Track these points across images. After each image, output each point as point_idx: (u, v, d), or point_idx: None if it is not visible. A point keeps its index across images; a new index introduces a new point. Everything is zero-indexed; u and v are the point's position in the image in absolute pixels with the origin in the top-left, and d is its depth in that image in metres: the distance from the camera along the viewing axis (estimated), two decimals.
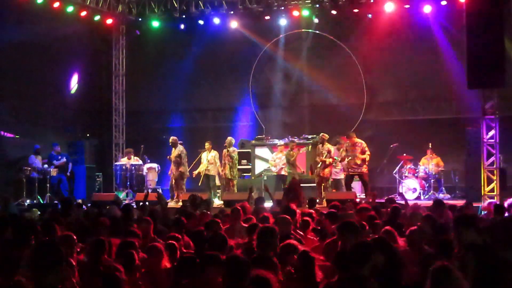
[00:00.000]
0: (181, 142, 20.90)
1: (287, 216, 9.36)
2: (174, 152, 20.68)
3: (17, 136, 22.12)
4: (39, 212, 14.25)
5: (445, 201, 13.58)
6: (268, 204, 15.24)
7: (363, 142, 19.20)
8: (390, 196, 15.75)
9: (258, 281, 5.48)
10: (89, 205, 17.15)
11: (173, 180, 20.68)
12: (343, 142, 20.12)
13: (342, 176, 20.34)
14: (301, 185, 20.58)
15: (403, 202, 14.03)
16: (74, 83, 23.87)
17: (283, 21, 23.39)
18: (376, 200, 15.65)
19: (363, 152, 18.91)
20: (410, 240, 8.12)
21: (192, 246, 8.89)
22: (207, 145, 20.91)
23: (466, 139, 19.96)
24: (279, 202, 15.02)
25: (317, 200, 16.84)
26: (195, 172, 20.91)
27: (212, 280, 6.41)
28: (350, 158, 18.96)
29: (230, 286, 5.94)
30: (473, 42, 17.81)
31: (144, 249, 7.93)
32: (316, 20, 23.13)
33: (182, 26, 24.25)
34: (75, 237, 7.85)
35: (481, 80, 17.97)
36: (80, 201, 18.13)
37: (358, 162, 18.85)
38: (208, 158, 20.71)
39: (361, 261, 6.15)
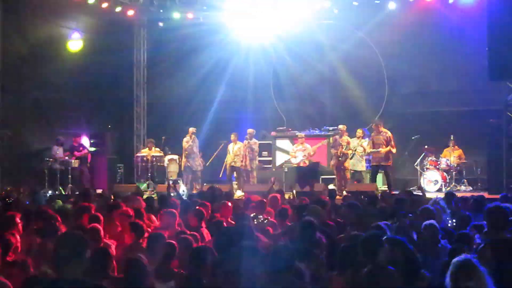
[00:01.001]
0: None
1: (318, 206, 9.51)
2: (195, 143, 20.83)
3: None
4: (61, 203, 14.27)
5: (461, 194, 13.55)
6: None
7: (388, 131, 19.10)
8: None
9: None
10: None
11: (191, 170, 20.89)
12: (361, 133, 20.07)
13: (362, 167, 20.31)
14: (322, 177, 20.79)
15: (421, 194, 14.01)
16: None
17: (304, 12, 23.27)
18: (393, 192, 15.71)
19: (387, 143, 18.81)
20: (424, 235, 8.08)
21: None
22: (232, 136, 20.98)
23: (488, 131, 19.82)
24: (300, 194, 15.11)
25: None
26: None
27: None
28: (374, 149, 18.91)
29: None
30: (494, 34, 17.68)
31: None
32: (336, 11, 23.05)
33: (201, 18, 24.26)
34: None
35: (502, 72, 17.84)
36: (100, 191, 18.23)
37: (382, 152, 18.78)
38: (235, 150, 20.79)
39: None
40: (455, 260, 5.39)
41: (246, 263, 5.92)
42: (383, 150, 18.73)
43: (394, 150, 18.94)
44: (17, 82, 21.20)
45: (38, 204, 12.63)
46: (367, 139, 19.97)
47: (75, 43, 23.32)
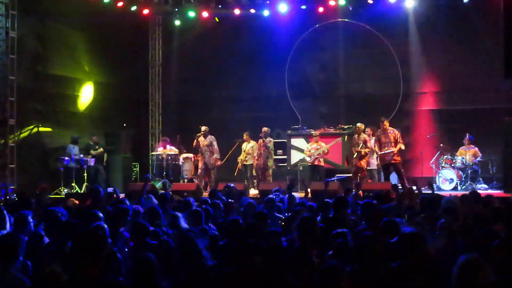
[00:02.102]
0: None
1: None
2: (205, 141, 20.86)
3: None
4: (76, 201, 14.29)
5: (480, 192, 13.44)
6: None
7: (395, 129, 19.12)
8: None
9: None
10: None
11: (202, 170, 20.92)
12: (370, 131, 20.03)
13: (375, 166, 20.29)
14: (338, 175, 20.78)
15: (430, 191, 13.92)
16: None
17: (319, 10, 23.23)
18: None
19: (395, 141, 18.82)
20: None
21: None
22: (245, 135, 21.05)
23: (504, 129, 19.71)
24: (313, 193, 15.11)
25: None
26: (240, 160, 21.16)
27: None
28: (386, 148, 18.90)
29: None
30: (511, 31, 17.57)
31: None
32: (352, 9, 23.03)
33: (217, 16, 24.30)
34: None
35: None
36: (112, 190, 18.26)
37: (395, 151, 18.77)
38: (247, 149, 20.85)
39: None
40: (461, 258, 5.33)
41: None
42: (395, 149, 18.72)
43: (403, 147, 18.93)
44: (32, 81, 21.31)
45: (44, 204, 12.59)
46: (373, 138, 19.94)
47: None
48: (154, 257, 5.88)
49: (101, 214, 9.14)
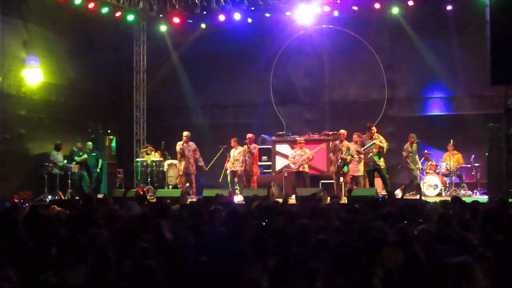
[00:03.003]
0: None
1: None
2: (190, 147, 20.86)
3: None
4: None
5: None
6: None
7: (380, 135, 19.29)
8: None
9: None
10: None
11: (186, 177, 20.87)
12: (357, 138, 20.04)
13: (361, 172, 20.31)
14: (322, 181, 20.84)
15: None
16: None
17: (304, 17, 23.26)
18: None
19: (380, 148, 19.01)
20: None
21: None
22: (232, 142, 21.00)
23: (488, 135, 19.78)
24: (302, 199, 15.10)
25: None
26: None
27: None
28: (370, 154, 19.00)
29: None
30: (497, 38, 17.62)
31: None
32: (337, 15, 23.07)
33: (202, 23, 24.29)
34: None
35: (505, 76, 17.78)
36: (102, 196, 18.22)
37: (374, 151, 18.94)
38: (235, 154, 20.81)
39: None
40: (452, 261, 5.43)
41: None
42: (377, 142, 18.91)
43: (385, 145, 19.08)
44: (17, 87, 21.18)
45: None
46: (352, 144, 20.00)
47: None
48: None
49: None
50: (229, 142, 21.25)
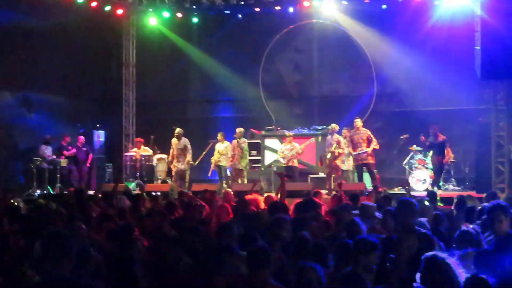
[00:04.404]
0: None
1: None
2: (179, 145, 20.75)
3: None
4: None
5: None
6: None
7: (367, 130, 19.31)
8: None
9: None
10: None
11: (176, 175, 20.82)
12: (347, 133, 20.05)
13: (350, 167, 20.34)
14: (311, 176, 20.89)
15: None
16: None
17: (293, 11, 23.24)
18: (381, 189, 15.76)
19: (369, 141, 19.02)
20: None
21: None
22: (219, 136, 20.92)
23: (476, 130, 19.86)
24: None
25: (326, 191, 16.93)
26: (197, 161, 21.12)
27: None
28: (359, 148, 19.05)
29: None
30: (487, 33, 17.68)
31: None
32: (326, 11, 23.07)
33: (192, 17, 24.24)
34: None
35: (494, 72, 17.85)
36: (92, 192, 18.19)
37: (369, 151, 18.95)
38: (221, 149, 20.76)
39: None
40: (424, 256, 5.65)
41: None
42: (369, 149, 18.92)
43: (377, 146, 19.13)
44: (5, 81, 21.10)
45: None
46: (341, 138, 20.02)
47: None
48: None
49: None
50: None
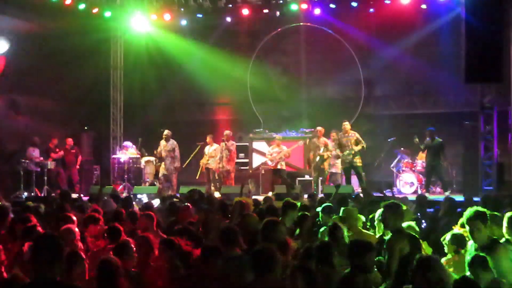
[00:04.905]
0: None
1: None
2: (167, 146, 20.73)
3: None
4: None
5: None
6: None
7: (356, 132, 19.32)
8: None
9: None
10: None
11: (164, 175, 20.79)
12: (335, 136, 20.08)
13: (338, 170, 20.37)
14: (299, 178, 20.92)
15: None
16: None
17: (282, 15, 23.24)
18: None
19: (356, 143, 19.05)
20: None
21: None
22: (208, 138, 20.96)
23: (463, 133, 19.90)
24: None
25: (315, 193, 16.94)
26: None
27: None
28: (347, 151, 19.06)
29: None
30: (472, 36, 17.71)
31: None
32: (315, 13, 23.09)
33: (180, 20, 24.20)
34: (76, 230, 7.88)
35: (478, 75, 17.87)
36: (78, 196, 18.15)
37: (352, 152, 18.99)
38: (209, 152, 20.78)
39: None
40: (418, 256, 5.82)
41: None
42: (356, 148, 18.96)
43: (365, 147, 19.17)
44: None
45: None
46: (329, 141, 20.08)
47: None
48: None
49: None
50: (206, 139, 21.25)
